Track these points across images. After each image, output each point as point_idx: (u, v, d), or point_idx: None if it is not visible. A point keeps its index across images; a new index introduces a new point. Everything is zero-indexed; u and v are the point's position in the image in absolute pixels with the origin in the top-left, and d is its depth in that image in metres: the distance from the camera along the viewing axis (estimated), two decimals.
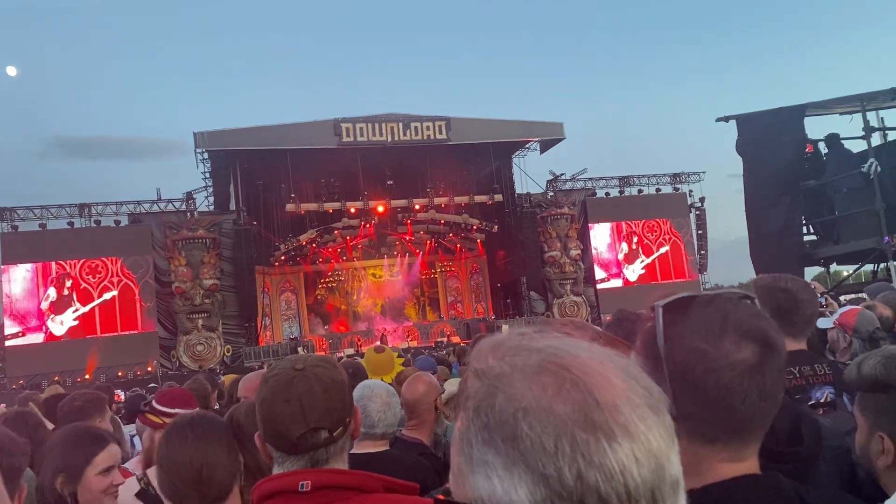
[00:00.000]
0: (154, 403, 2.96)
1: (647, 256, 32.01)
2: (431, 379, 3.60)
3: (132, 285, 25.92)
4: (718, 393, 0.99)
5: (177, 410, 2.89)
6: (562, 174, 31.40)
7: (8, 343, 24.50)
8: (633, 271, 31.71)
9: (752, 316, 1.05)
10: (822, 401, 2.05)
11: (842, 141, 9.16)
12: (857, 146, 9.22)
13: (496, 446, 0.59)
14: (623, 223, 31.53)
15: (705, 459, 1.01)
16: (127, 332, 25.51)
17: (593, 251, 30.91)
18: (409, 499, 1.59)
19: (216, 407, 5.09)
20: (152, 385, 13.00)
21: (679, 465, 0.61)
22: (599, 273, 31.09)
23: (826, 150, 9.32)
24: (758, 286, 2.41)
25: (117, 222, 26.61)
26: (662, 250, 32.11)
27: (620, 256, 31.58)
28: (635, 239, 31.78)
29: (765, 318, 1.07)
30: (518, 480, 0.57)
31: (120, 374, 23.44)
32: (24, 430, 2.68)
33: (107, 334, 25.41)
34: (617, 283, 31.27)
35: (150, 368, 24.03)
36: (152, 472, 2.43)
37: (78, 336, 25.11)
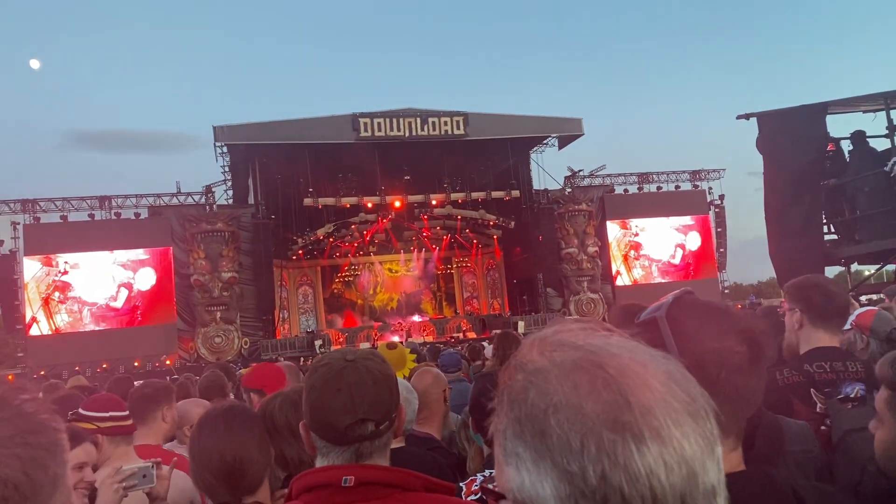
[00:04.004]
0: (81, 410, 2.80)
1: (665, 254, 31.78)
2: (439, 371, 3.62)
3: (152, 277, 26.20)
4: (728, 389, 1.04)
5: (111, 413, 2.80)
6: (580, 170, 31.20)
7: (29, 333, 24.84)
8: (650, 268, 31.52)
9: (746, 315, 1.13)
10: (851, 396, 2.07)
11: (867, 139, 9.03)
12: (880, 145, 9.07)
13: (526, 440, 0.60)
14: (641, 220, 31.32)
15: None
16: (147, 324, 25.79)
17: (610, 248, 30.76)
18: (449, 499, 1.58)
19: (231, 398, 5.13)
20: (174, 377, 13.12)
21: (718, 473, 0.60)
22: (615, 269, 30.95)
23: (850, 147, 9.18)
24: (788, 286, 2.42)
25: (137, 215, 26.88)
26: (678, 250, 31.86)
27: (638, 253, 31.40)
28: (652, 236, 31.55)
29: (756, 316, 1.13)
30: (544, 475, 0.58)
31: (136, 363, 23.70)
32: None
33: (126, 326, 25.73)
34: (633, 280, 31.15)
35: (168, 362, 24.28)
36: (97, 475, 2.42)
37: (98, 326, 25.45)
